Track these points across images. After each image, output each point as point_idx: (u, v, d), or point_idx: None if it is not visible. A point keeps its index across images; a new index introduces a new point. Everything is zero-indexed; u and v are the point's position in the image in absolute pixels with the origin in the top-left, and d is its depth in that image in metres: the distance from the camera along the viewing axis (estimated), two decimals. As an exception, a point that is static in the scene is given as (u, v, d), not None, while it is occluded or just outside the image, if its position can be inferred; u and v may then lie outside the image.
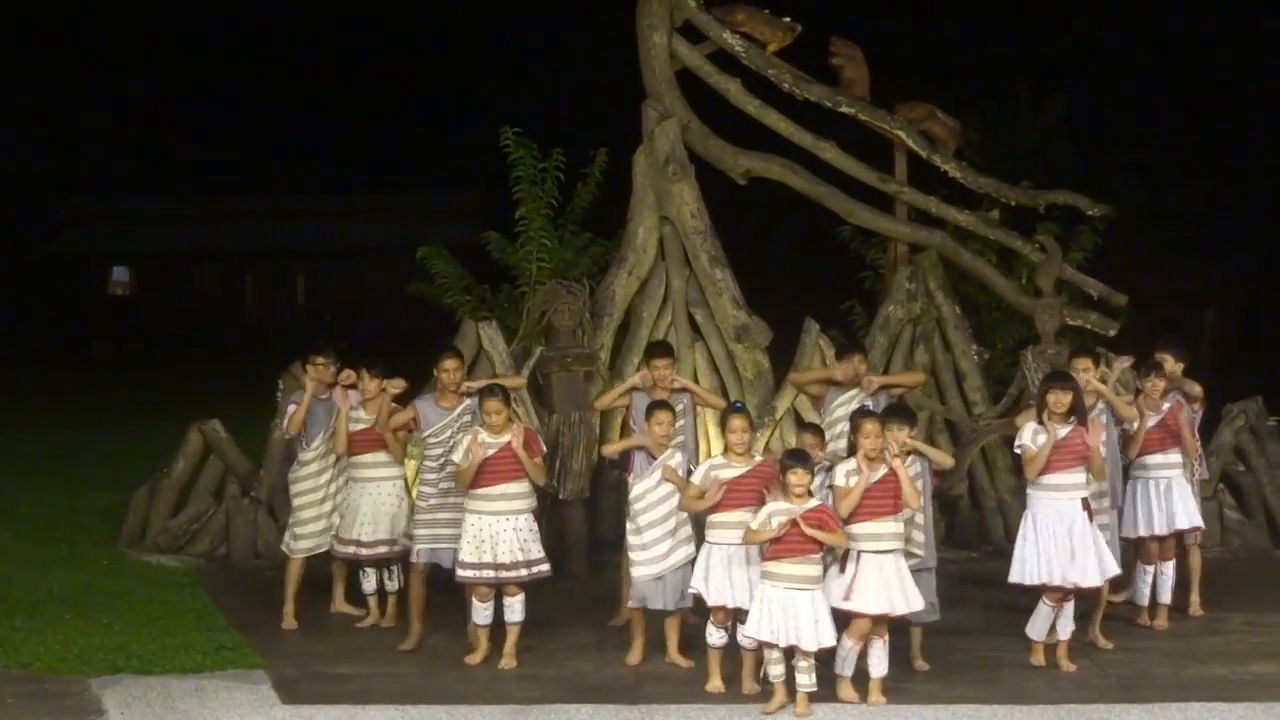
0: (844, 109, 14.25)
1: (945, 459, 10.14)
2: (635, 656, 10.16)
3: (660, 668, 10.02)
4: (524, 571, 10.07)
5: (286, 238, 44.83)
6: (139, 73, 50.64)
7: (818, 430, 10.75)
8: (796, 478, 9.04)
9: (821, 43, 14.46)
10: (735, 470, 9.53)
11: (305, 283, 46.48)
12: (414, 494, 11.27)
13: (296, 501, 11.53)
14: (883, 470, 9.28)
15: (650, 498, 10.08)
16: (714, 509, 9.52)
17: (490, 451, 10.02)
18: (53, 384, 30.59)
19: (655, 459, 10.09)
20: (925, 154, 14.33)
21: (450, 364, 10.81)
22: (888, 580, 9.19)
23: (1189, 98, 38.88)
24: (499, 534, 10.02)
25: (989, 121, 32.26)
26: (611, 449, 10.97)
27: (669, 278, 14.06)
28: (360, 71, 51.81)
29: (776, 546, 8.98)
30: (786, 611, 8.91)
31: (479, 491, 10.05)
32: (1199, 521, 11.33)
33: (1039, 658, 9.99)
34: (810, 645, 8.90)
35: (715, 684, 9.50)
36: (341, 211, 45.41)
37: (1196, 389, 11.62)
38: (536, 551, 10.16)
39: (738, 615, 9.38)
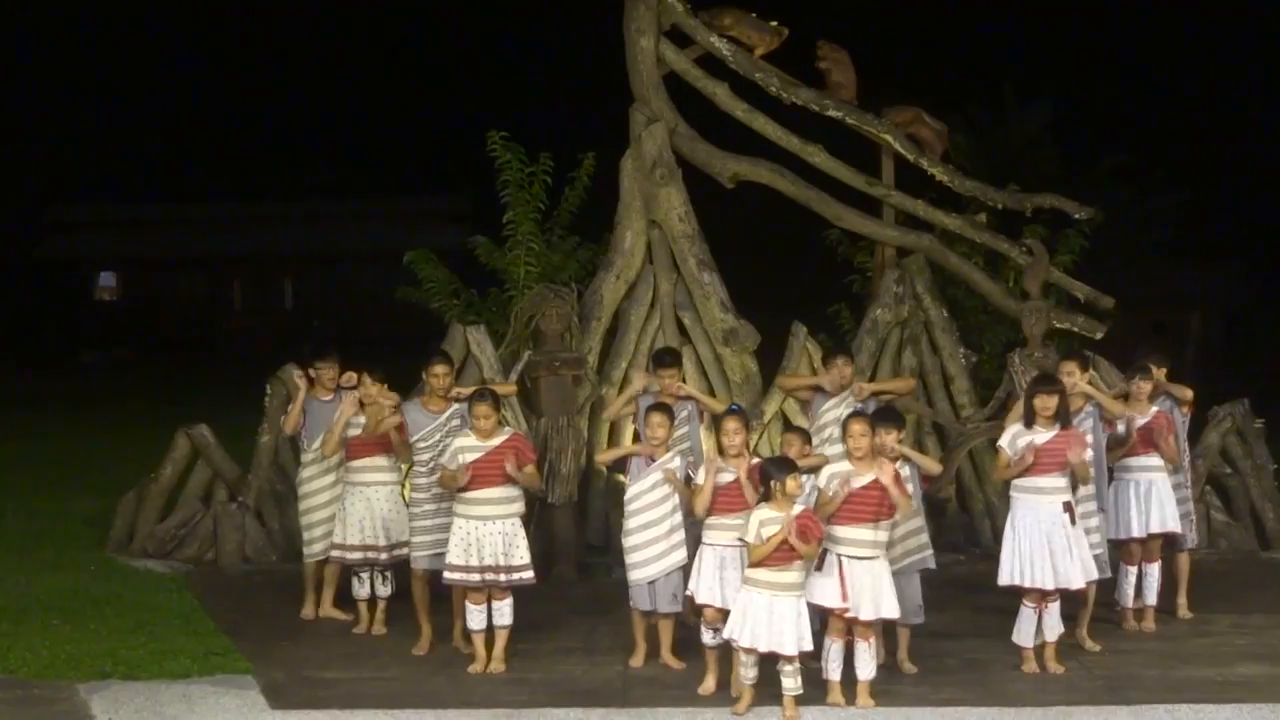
0: (831, 112, 14.26)
1: (933, 466, 10.16)
2: (638, 659, 10.18)
3: (651, 670, 10.03)
4: (502, 576, 10.05)
5: (273, 243, 44.72)
6: (126, 78, 50.54)
7: (804, 433, 10.76)
8: (795, 483, 9.05)
9: (809, 46, 14.48)
10: (731, 474, 9.53)
11: (292, 287, 46.42)
12: (406, 499, 11.29)
13: (303, 505, 11.64)
14: (869, 477, 9.28)
15: (645, 499, 10.10)
16: (709, 511, 9.54)
17: (477, 456, 10.02)
18: (40, 389, 30.48)
19: (652, 461, 10.10)
20: (912, 157, 14.34)
21: (439, 370, 10.83)
22: (873, 586, 9.20)
23: (1174, 103, 38.97)
24: (484, 537, 10.02)
25: (976, 125, 32.34)
26: (605, 457, 11.01)
27: (657, 281, 14.06)
28: (347, 76, 51.74)
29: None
30: (771, 618, 8.90)
31: (466, 495, 10.04)
32: (1178, 527, 11.29)
33: (1031, 665, 9.99)
34: (792, 650, 8.90)
35: (708, 685, 9.51)
36: (329, 216, 45.32)
37: (1187, 393, 11.65)
38: (520, 557, 10.11)
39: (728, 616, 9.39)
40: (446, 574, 10.14)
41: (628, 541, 10.17)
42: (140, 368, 37.70)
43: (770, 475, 9.07)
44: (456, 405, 10.80)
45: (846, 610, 9.16)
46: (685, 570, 10.03)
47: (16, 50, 46.64)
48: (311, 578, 11.64)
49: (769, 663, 9.06)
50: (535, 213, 14.33)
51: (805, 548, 8.93)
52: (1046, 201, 14.53)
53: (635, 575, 10.12)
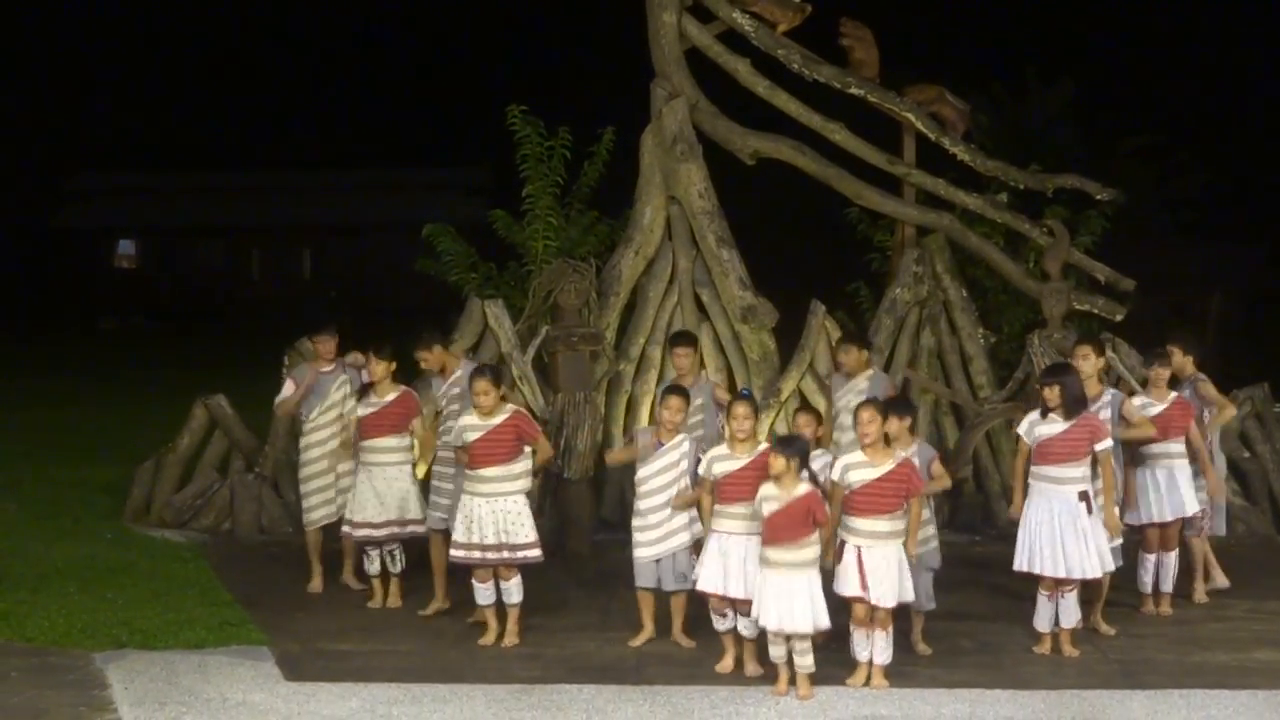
0: (853, 90, 14.19)
1: (944, 484, 10.17)
2: (640, 639, 10.16)
3: (663, 648, 10.03)
4: (505, 554, 10.05)
5: (293, 213, 44.81)
6: (146, 46, 50.58)
7: (815, 412, 10.73)
8: (794, 463, 9.05)
9: (831, 24, 14.40)
10: (737, 462, 9.45)
11: (311, 258, 46.49)
12: (419, 472, 11.35)
13: (302, 473, 11.69)
14: (888, 466, 9.24)
15: (653, 483, 10.08)
16: (716, 499, 9.50)
17: (478, 435, 10.04)
18: (59, 357, 30.60)
19: (662, 444, 10.07)
20: (934, 136, 14.29)
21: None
22: (890, 572, 9.18)
23: (1195, 83, 38.76)
24: (483, 516, 10.03)
25: (997, 104, 32.19)
26: (614, 458, 11.07)
27: (676, 258, 14.03)
28: (368, 47, 51.75)
29: (772, 533, 8.96)
30: (785, 596, 8.89)
31: (469, 472, 10.10)
32: (1197, 508, 11.23)
33: (1044, 648, 9.98)
34: (806, 628, 8.89)
35: (726, 664, 9.52)
36: (348, 187, 45.38)
37: (1214, 395, 11.58)
38: (523, 536, 10.09)
39: (735, 602, 9.36)
40: (452, 551, 10.21)
41: (635, 521, 10.20)
42: (158, 336, 37.85)
43: (778, 454, 9.05)
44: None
45: (865, 599, 9.14)
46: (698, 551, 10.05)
47: (37, 18, 46.66)
48: (315, 546, 11.67)
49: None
50: (554, 187, 14.30)
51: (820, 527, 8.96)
52: (1068, 182, 14.47)
53: (638, 553, 10.14)
